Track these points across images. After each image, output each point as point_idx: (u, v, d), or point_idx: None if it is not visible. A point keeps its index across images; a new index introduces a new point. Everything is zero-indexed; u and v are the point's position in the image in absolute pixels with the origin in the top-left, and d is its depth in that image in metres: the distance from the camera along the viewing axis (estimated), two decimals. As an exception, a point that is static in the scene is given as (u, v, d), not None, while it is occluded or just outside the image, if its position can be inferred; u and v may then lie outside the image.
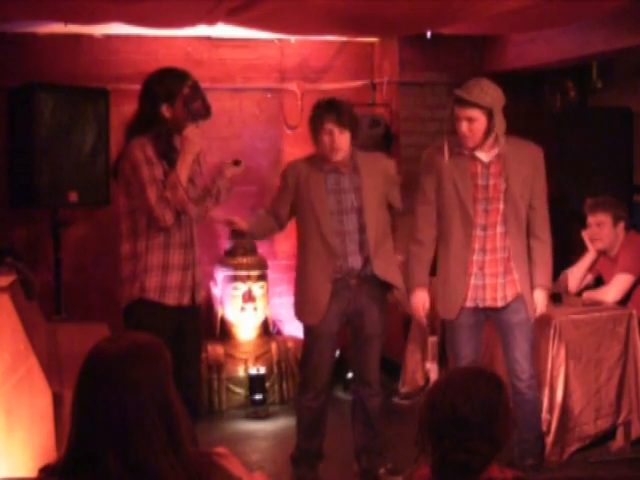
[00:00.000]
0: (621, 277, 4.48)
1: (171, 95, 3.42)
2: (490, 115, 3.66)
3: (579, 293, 4.69)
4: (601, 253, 4.69)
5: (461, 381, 1.98)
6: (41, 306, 4.02)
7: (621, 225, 4.60)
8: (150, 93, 3.45)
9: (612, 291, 4.48)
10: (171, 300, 3.48)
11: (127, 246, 3.49)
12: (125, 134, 3.51)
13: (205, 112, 3.52)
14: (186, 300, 3.54)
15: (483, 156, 3.75)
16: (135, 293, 3.46)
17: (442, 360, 4.80)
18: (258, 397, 5.10)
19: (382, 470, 3.96)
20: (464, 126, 3.67)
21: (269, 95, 5.80)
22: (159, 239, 3.46)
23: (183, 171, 3.41)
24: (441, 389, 1.97)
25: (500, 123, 3.70)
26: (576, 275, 4.74)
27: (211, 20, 4.18)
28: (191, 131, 3.44)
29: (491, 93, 3.67)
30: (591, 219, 4.63)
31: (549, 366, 4.13)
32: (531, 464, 3.89)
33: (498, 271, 3.77)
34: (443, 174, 3.78)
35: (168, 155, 3.45)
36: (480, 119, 3.66)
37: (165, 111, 3.43)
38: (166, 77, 3.47)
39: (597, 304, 4.43)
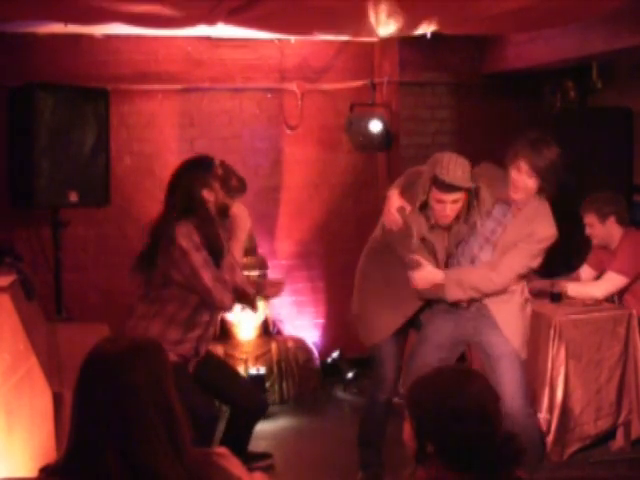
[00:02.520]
0: (614, 277, 4.43)
1: (207, 179, 3.43)
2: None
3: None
4: (602, 247, 4.65)
5: (449, 378, 1.97)
6: (41, 306, 4.03)
7: (610, 220, 4.50)
8: (186, 182, 3.44)
9: (601, 288, 4.44)
10: None
11: (157, 326, 3.40)
12: (167, 219, 3.41)
13: (241, 186, 3.54)
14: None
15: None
16: None
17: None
18: (258, 397, 5.09)
19: None
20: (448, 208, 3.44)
21: (269, 95, 5.80)
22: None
23: (237, 250, 3.50)
24: (429, 386, 1.96)
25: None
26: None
27: (211, 20, 4.18)
28: (238, 208, 3.53)
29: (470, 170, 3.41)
30: (584, 220, 4.62)
31: (549, 366, 4.13)
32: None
33: None
34: None
35: (211, 240, 3.39)
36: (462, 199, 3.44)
37: (207, 195, 3.42)
38: (197, 164, 3.50)
39: (591, 301, 4.40)
